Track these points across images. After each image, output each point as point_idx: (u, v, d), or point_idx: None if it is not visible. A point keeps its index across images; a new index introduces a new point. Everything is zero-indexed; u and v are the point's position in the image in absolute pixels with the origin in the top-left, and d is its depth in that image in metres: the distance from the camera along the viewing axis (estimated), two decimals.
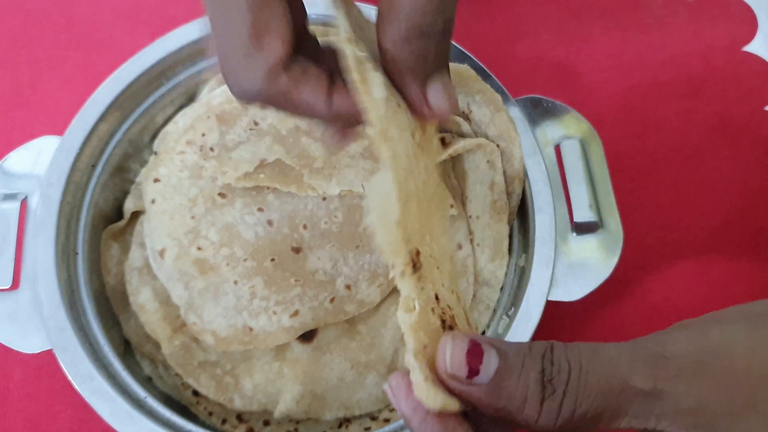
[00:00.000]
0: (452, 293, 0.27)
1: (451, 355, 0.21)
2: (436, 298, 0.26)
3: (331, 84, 0.25)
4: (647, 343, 0.21)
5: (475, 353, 0.21)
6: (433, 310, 0.26)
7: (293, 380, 0.38)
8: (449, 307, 0.26)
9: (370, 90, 0.24)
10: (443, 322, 0.25)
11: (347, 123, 0.26)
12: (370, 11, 0.41)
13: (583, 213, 0.39)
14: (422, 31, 0.23)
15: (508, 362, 0.21)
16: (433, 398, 0.22)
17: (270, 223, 0.40)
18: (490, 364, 0.21)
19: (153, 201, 0.40)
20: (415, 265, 0.26)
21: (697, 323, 0.22)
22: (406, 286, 0.25)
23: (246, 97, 0.24)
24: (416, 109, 0.25)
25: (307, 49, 0.25)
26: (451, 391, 0.22)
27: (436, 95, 0.25)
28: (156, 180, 0.41)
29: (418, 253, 0.26)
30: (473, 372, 0.21)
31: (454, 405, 0.22)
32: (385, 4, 0.23)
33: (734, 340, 0.21)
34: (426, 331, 0.25)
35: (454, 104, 0.25)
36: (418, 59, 0.24)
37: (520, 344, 0.22)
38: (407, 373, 0.22)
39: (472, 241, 0.40)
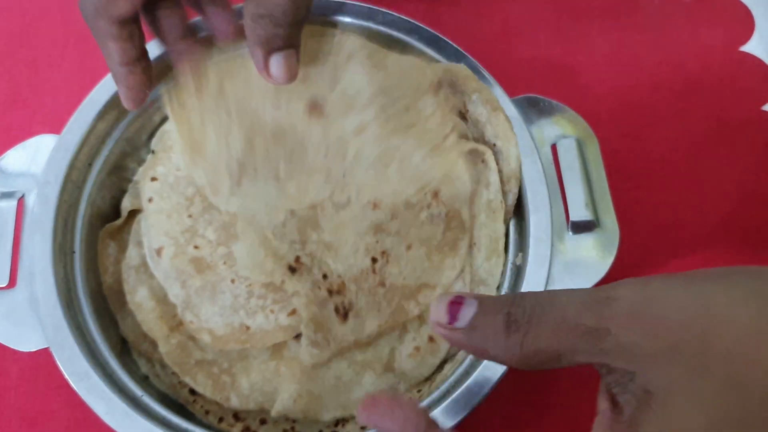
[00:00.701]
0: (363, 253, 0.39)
1: (438, 307, 0.26)
2: (324, 276, 0.38)
3: (137, 59, 0.35)
4: (597, 290, 0.25)
5: (455, 304, 0.25)
6: (319, 287, 0.38)
7: (290, 379, 0.38)
8: (339, 276, 0.38)
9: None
10: (330, 291, 0.38)
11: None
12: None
13: (580, 212, 0.39)
14: (274, 18, 0.31)
15: (482, 308, 0.25)
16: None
17: None
18: (467, 311, 0.25)
19: (150, 200, 0.40)
20: (294, 269, 0.38)
21: (645, 277, 0.25)
22: (288, 285, 0.38)
23: (83, 14, 0.32)
24: (259, 71, 0.34)
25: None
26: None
27: (275, 65, 0.33)
28: (153, 179, 0.41)
29: (297, 259, 0.38)
30: (453, 318, 0.25)
31: None
32: None
33: (670, 291, 0.24)
34: (315, 303, 0.37)
35: (289, 76, 0.34)
36: (267, 37, 0.32)
37: (496, 296, 0.26)
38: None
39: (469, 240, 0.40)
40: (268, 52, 0.33)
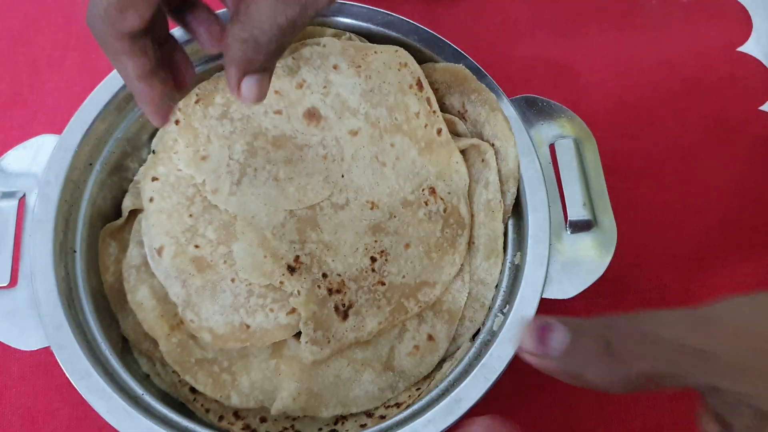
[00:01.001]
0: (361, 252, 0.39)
1: (526, 334, 0.25)
2: (324, 275, 0.38)
3: (154, 72, 0.32)
4: (697, 311, 0.24)
5: (545, 329, 0.25)
6: (319, 286, 0.38)
7: (290, 377, 0.38)
8: (338, 275, 0.39)
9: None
10: (329, 290, 0.38)
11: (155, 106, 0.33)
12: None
13: (578, 212, 0.39)
14: (258, 44, 0.30)
15: (576, 333, 0.24)
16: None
17: None
18: (559, 337, 0.24)
19: (151, 199, 0.40)
20: (294, 269, 0.38)
21: (745, 296, 0.24)
22: (288, 284, 0.38)
23: (92, 31, 0.30)
24: (230, 91, 0.32)
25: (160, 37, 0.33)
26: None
27: (247, 88, 0.32)
28: (154, 179, 0.41)
29: (296, 258, 0.38)
30: (544, 345, 0.24)
31: None
32: (242, 5, 0.29)
33: None
34: (315, 302, 0.38)
35: (259, 98, 0.32)
36: (246, 60, 0.31)
37: (584, 319, 0.25)
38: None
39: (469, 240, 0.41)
40: (243, 73, 0.32)
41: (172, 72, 0.35)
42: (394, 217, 0.40)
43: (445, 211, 0.40)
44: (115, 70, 0.42)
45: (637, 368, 0.23)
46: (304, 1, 0.30)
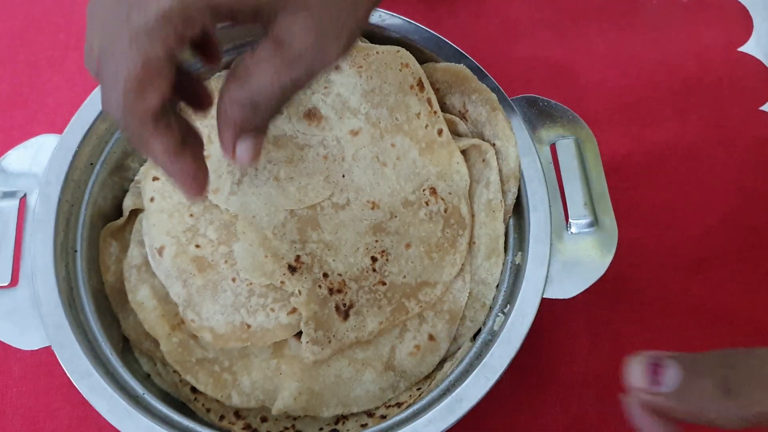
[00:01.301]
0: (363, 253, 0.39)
1: (635, 371, 0.24)
2: (324, 275, 0.38)
3: (183, 145, 0.30)
4: None
5: (656, 367, 0.24)
6: (319, 285, 0.38)
7: (291, 377, 0.38)
8: (339, 275, 0.39)
9: None
10: (330, 290, 0.38)
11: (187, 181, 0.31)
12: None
13: (579, 211, 0.39)
14: (256, 107, 0.29)
15: (690, 371, 0.24)
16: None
17: None
18: (672, 375, 0.24)
19: (152, 199, 0.40)
20: (295, 269, 0.38)
21: None
22: (288, 284, 0.38)
23: (112, 117, 0.28)
24: (224, 152, 0.31)
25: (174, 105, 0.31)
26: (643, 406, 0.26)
27: (242, 150, 0.30)
28: (155, 178, 0.41)
29: (297, 258, 0.38)
30: (655, 383, 0.24)
31: None
32: (241, 66, 0.28)
33: None
34: (315, 302, 0.38)
35: (253, 160, 0.31)
36: (242, 121, 0.29)
37: (698, 354, 0.24)
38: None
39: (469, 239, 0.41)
40: (238, 135, 0.30)
41: (193, 101, 0.33)
42: (395, 217, 0.40)
43: (445, 211, 0.40)
44: None
45: (757, 410, 0.23)
46: (309, 63, 0.28)
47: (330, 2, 0.26)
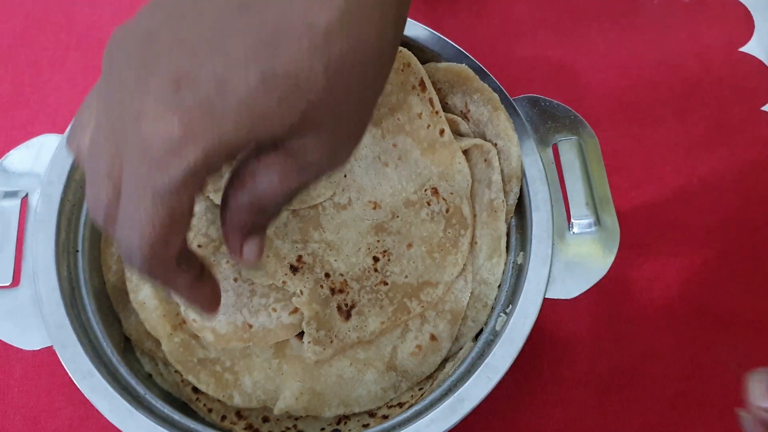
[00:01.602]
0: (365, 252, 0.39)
1: (756, 389, 0.24)
2: (326, 275, 0.38)
3: (202, 275, 0.30)
4: None
5: None
6: (321, 285, 0.38)
7: (292, 377, 0.38)
8: (341, 275, 0.39)
9: None
10: (332, 290, 0.38)
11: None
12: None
13: (580, 211, 0.39)
14: (263, 210, 0.28)
15: None
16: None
17: None
18: None
19: None
20: (296, 269, 0.38)
21: None
22: (290, 284, 0.38)
23: (131, 263, 0.27)
24: (231, 254, 0.30)
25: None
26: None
27: (249, 250, 0.30)
28: None
29: (299, 258, 0.38)
30: None
31: None
32: (247, 171, 0.27)
33: None
34: (317, 301, 0.38)
35: (259, 258, 0.30)
36: (250, 224, 0.29)
37: None
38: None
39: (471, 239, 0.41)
40: (245, 238, 0.30)
41: None
42: (397, 217, 0.40)
43: (447, 211, 0.40)
44: None
45: None
46: (320, 170, 0.27)
47: (345, 119, 0.26)
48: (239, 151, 0.25)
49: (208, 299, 0.31)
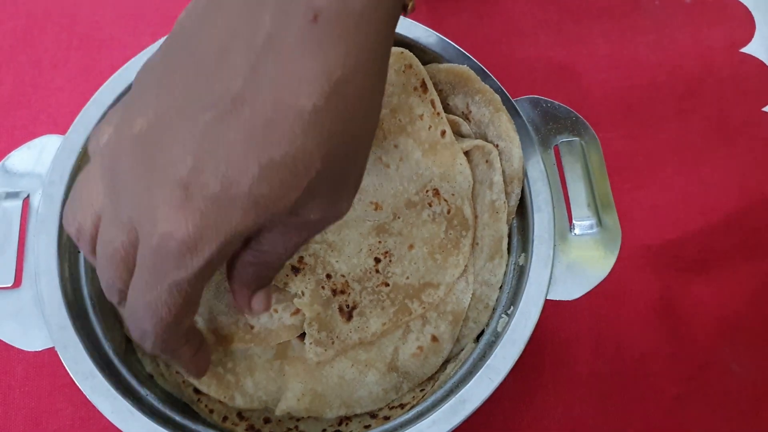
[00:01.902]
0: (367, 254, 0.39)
1: None
2: (328, 276, 0.38)
3: (201, 346, 0.34)
4: None
5: None
6: (323, 287, 0.38)
7: (294, 378, 0.38)
8: (343, 276, 0.39)
9: None
10: (333, 291, 0.38)
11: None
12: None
13: (582, 212, 0.39)
14: (269, 265, 0.30)
15: None
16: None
17: None
18: None
19: None
20: (298, 270, 0.38)
21: None
22: (292, 285, 0.38)
23: (142, 342, 0.30)
24: (239, 307, 0.33)
25: None
26: None
27: (257, 302, 0.33)
28: None
29: (300, 259, 0.39)
30: None
31: None
32: (254, 236, 0.28)
33: None
34: (319, 303, 0.38)
35: (267, 307, 0.34)
36: (256, 280, 0.31)
37: None
38: None
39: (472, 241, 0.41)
40: (254, 291, 0.32)
41: None
42: (398, 218, 0.40)
43: (449, 212, 0.40)
44: (118, 70, 0.42)
45: None
46: (321, 226, 0.29)
47: (341, 180, 0.27)
48: (250, 235, 0.27)
49: (203, 367, 0.35)
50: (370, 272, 0.39)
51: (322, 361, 0.38)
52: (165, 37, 0.28)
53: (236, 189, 0.24)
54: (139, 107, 0.26)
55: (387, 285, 0.39)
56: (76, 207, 0.29)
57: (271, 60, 0.23)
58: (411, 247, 0.40)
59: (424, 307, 0.39)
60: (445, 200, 0.40)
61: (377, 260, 0.39)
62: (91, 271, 0.40)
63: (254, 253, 0.29)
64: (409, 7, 0.27)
